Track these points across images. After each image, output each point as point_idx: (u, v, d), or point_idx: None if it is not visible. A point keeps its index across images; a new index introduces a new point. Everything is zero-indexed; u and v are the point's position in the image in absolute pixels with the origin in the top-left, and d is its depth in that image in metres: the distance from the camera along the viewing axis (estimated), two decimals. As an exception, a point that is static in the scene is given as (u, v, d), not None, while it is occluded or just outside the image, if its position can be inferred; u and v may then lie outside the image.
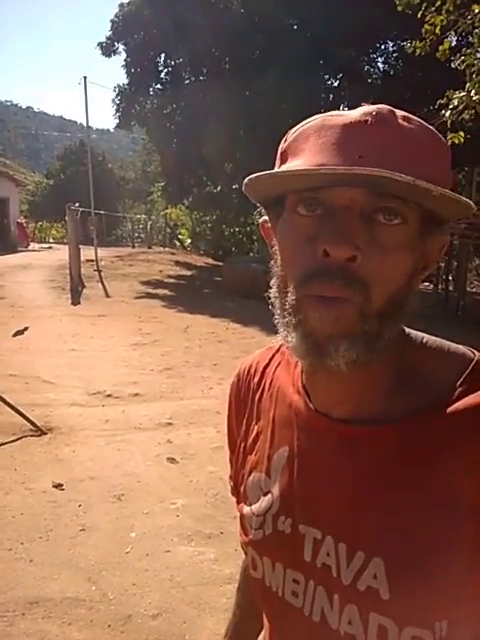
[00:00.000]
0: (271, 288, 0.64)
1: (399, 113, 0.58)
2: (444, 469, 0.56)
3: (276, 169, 0.61)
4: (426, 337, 0.66)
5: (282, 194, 0.60)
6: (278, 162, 0.63)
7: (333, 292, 0.54)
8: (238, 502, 0.79)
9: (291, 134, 0.62)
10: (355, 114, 0.57)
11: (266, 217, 0.67)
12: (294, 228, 0.59)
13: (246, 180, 0.58)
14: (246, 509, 0.74)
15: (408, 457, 0.59)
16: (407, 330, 0.66)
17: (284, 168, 0.59)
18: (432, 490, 0.57)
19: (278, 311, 0.62)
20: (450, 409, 0.58)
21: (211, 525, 3.22)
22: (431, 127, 0.60)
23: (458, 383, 0.59)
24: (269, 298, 0.64)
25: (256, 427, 0.76)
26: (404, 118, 0.58)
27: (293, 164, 0.58)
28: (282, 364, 0.77)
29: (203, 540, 3.10)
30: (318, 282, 0.55)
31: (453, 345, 0.65)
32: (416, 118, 0.59)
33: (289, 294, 0.59)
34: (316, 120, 0.59)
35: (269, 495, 0.70)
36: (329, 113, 0.59)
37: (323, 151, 0.56)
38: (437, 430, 0.58)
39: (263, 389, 0.78)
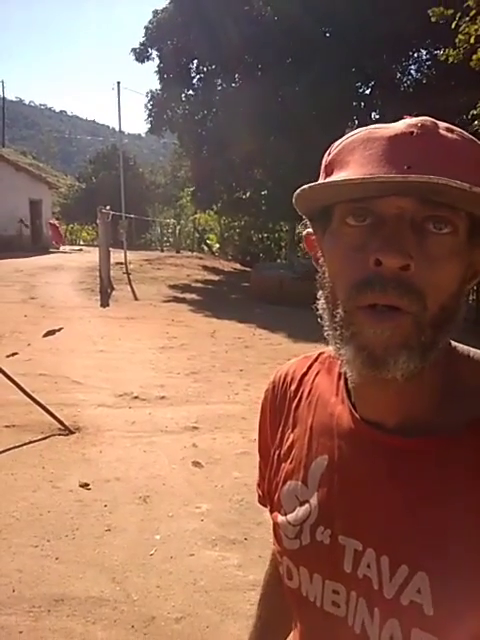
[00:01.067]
0: (318, 301, 0.64)
1: (442, 124, 0.59)
2: None
3: (325, 180, 0.61)
4: (472, 350, 0.66)
5: (329, 205, 0.60)
6: (323, 174, 0.63)
7: (387, 300, 0.54)
8: (271, 511, 0.77)
9: (335, 147, 0.62)
10: (400, 126, 0.58)
11: (311, 229, 0.67)
12: (343, 238, 0.58)
13: (299, 191, 0.58)
14: (281, 518, 0.73)
15: (456, 471, 0.58)
16: (452, 342, 0.66)
17: (332, 179, 0.59)
18: (475, 505, 0.56)
19: (327, 324, 0.61)
20: None
21: (235, 531, 3.22)
22: (474, 138, 0.60)
23: None
24: (316, 310, 0.64)
25: (292, 435, 0.76)
26: (447, 129, 0.58)
27: (340, 176, 0.58)
28: (322, 373, 0.77)
29: (227, 545, 3.10)
30: (371, 292, 0.55)
31: None
32: (458, 129, 0.59)
33: (339, 306, 0.58)
34: (361, 133, 0.60)
35: (307, 504, 0.69)
36: (373, 126, 0.60)
37: (371, 162, 0.56)
38: None
39: (301, 397, 0.77)
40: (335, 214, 0.59)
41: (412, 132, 0.56)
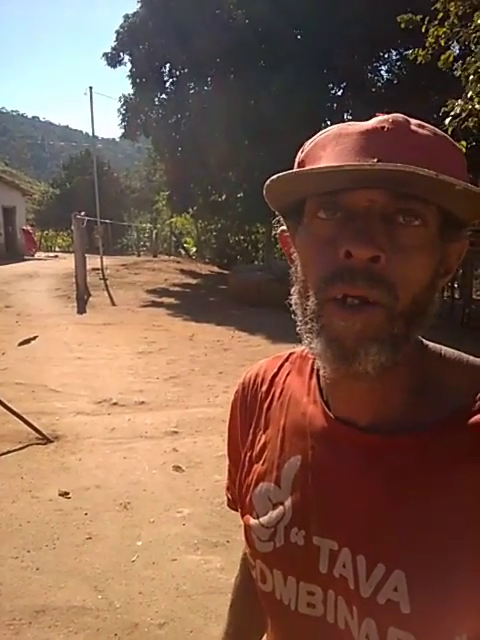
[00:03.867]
0: (291, 296, 0.63)
1: (414, 121, 0.59)
2: (466, 481, 0.56)
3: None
4: (444, 349, 0.66)
5: (301, 200, 0.60)
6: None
7: (357, 292, 0.54)
8: (243, 514, 0.76)
9: (308, 144, 0.63)
10: (371, 122, 0.58)
11: (285, 227, 0.67)
12: (314, 232, 0.58)
13: (268, 182, 0.58)
14: (253, 521, 0.71)
15: (430, 468, 0.58)
16: (424, 341, 0.66)
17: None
18: (454, 503, 0.56)
19: (300, 318, 0.61)
20: (472, 421, 0.58)
21: (217, 534, 3.22)
22: (445, 134, 0.60)
23: (479, 396, 0.59)
24: (289, 305, 0.63)
25: (264, 436, 0.75)
26: (419, 125, 0.59)
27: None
28: (293, 373, 0.76)
29: (209, 549, 3.09)
30: (341, 283, 0.54)
31: (471, 357, 0.65)
32: (430, 126, 0.60)
33: (310, 299, 0.58)
34: (333, 129, 0.60)
35: (280, 506, 0.68)
36: (345, 123, 0.60)
37: (341, 156, 0.56)
38: (459, 442, 0.58)
39: (273, 398, 0.76)
40: (307, 209, 0.60)
41: (383, 127, 0.57)
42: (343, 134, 0.58)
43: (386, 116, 0.58)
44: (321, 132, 0.62)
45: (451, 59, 5.85)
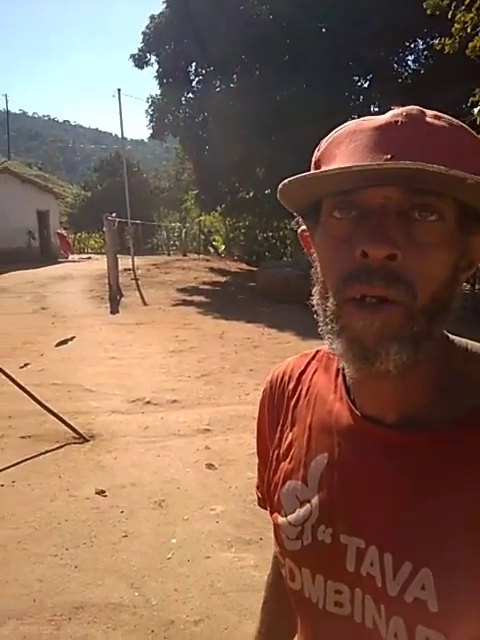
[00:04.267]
0: (313, 296, 0.63)
1: (429, 112, 0.59)
2: None
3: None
4: (470, 343, 0.65)
5: (318, 201, 0.60)
6: (313, 169, 0.63)
7: (374, 292, 0.54)
8: (271, 512, 0.76)
9: (324, 142, 0.63)
10: (385, 117, 0.58)
11: (304, 226, 0.67)
12: (331, 232, 0.58)
13: (280, 186, 0.57)
14: (281, 519, 0.71)
15: (456, 465, 0.58)
16: (450, 335, 0.65)
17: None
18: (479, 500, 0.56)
19: (321, 318, 0.61)
20: None
21: (251, 531, 3.24)
22: (463, 124, 0.59)
23: None
24: (312, 305, 0.63)
25: (291, 434, 0.75)
26: (434, 116, 0.58)
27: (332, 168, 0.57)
28: (319, 371, 0.76)
29: (243, 546, 3.12)
30: (358, 283, 0.54)
31: None
32: (447, 116, 0.59)
33: (329, 299, 0.58)
34: (348, 126, 0.60)
35: (307, 504, 0.68)
36: (361, 119, 0.60)
37: (355, 154, 0.56)
38: None
39: (299, 396, 0.76)
40: (323, 209, 0.60)
41: (397, 121, 0.56)
42: (357, 131, 0.58)
43: (400, 109, 0.58)
44: (337, 129, 0.61)
45: (478, 45, 5.72)
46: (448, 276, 0.56)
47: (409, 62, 15.67)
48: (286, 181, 0.56)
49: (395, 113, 0.57)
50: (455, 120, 0.59)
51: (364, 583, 0.62)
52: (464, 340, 0.66)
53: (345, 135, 0.59)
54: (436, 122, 0.57)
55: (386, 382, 0.60)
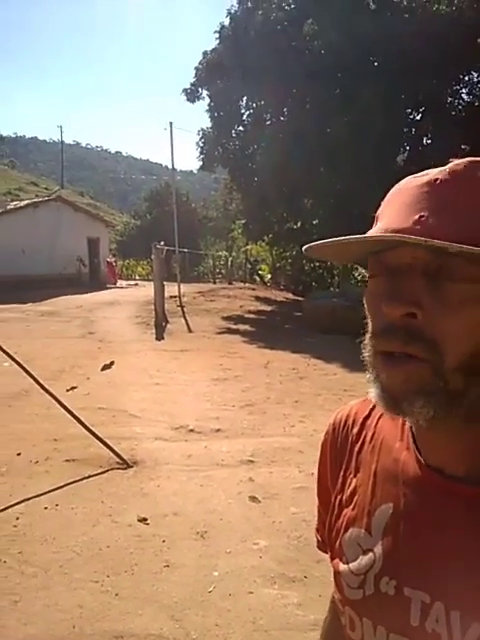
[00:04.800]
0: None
1: None
2: None
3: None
4: None
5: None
6: (375, 224, 0.65)
7: (394, 348, 0.56)
8: (332, 557, 0.75)
9: (387, 196, 0.64)
10: (431, 173, 0.59)
11: None
12: (370, 288, 0.61)
13: (304, 249, 0.62)
14: (343, 567, 0.70)
15: None
16: None
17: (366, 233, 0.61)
18: None
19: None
20: None
21: (295, 568, 3.15)
22: None
23: None
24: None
25: (354, 480, 0.74)
26: None
27: (375, 228, 0.61)
28: (385, 417, 0.75)
29: (287, 583, 3.03)
30: (382, 339, 0.58)
31: None
32: None
33: (367, 349, 0.61)
34: (403, 182, 0.62)
35: (371, 553, 0.67)
36: (415, 175, 0.61)
37: (395, 213, 0.59)
38: None
39: (364, 441, 0.76)
40: (368, 265, 0.63)
41: (436, 179, 0.57)
42: (403, 189, 0.60)
43: (454, 162, 0.58)
44: (398, 184, 0.63)
45: None
46: None
47: (463, 95, 15.63)
48: (307, 246, 0.60)
49: (441, 169, 0.58)
50: None
51: (429, 639, 0.60)
52: None
53: (396, 192, 0.62)
54: None
55: (448, 434, 0.61)
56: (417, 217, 0.55)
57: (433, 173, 0.59)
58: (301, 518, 3.67)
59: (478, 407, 0.57)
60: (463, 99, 15.73)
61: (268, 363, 9.46)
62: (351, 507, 0.73)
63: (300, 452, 4.92)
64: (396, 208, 0.59)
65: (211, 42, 17.37)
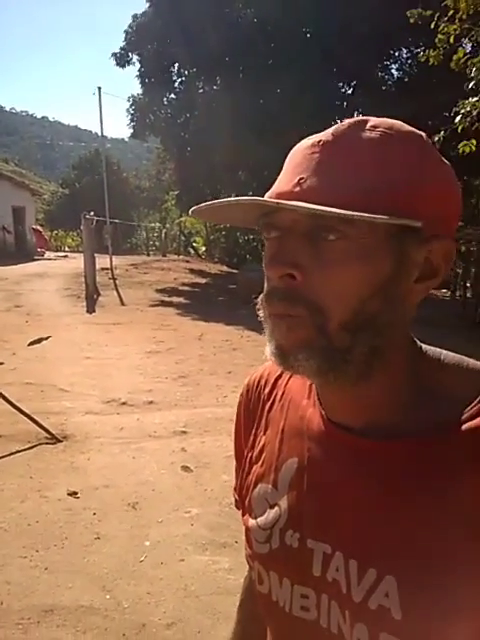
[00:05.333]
0: None
1: (371, 123, 0.58)
2: (459, 487, 0.55)
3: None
4: (444, 353, 0.65)
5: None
6: None
7: (278, 310, 0.58)
8: (243, 514, 0.77)
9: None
10: (319, 134, 0.59)
11: None
12: (265, 250, 0.62)
13: (190, 211, 0.61)
14: (251, 522, 0.72)
15: (423, 473, 0.58)
16: (424, 346, 0.65)
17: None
18: (447, 508, 0.55)
19: None
20: (467, 426, 0.57)
21: (225, 534, 3.21)
22: (408, 132, 0.58)
23: (477, 400, 0.58)
24: None
25: (264, 438, 0.76)
26: (371, 128, 0.57)
27: (271, 189, 0.61)
28: (295, 376, 0.76)
29: (218, 549, 3.09)
30: (267, 301, 0.60)
31: (472, 361, 0.64)
32: (389, 125, 0.58)
33: (261, 310, 0.62)
34: (298, 144, 0.62)
35: (276, 508, 0.69)
36: (311, 136, 0.61)
37: (283, 176, 0.60)
38: (453, 447, 0.57)
39: (274, 400, 0.77)
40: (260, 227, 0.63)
41: (320, 141, 0.58)
42: (295, 151, 0.61)
43: (338, 125, 0.58)
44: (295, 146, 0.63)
45: (462, 56, 5.78)
46: (368, 290, 0.56)
47: (393, 70, 15.89)
48: (194, 208, 0.59)
49: (327, 131, 0.58)
50: (395, 129, 0.58)
51: (330, 588, 0.62)
52: (438, 350, 0.65)
53: (290, 155, 0.61)
54: (368, 135, 0.57)
55: (342, 391, 0.62)
56: (297, 179, 0.56)
57: (321, 134, 0.59)
58: (232, 485, 3.73)
59: (367, 363, 0.58)
60: (393, 75, 16.02)
61: (202, 335, 9.47)
62: (260, 464, 0.74)
63: (232, 421, 4.91)
64: (286, 170, 0.60)
65: (142, 4, 16.77)
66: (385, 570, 0.57)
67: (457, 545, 0.54)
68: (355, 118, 0.59)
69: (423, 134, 0.60)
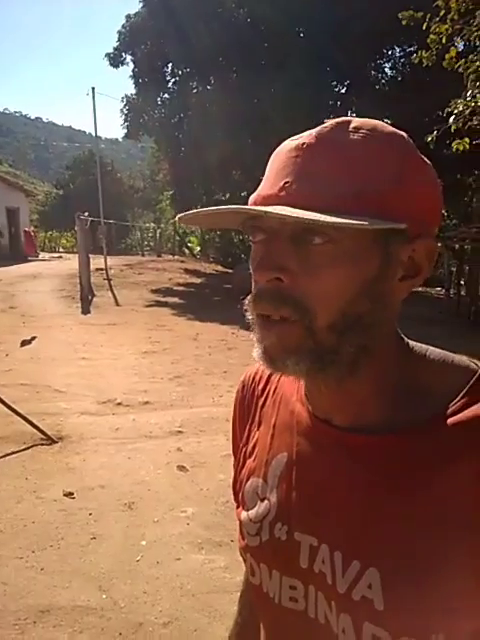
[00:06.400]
0: None
1: (353, 124, 0.58)
2: (443, 482, 0.56)
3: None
4: (430, 349, 0.66)
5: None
6: None
7: (266, 311, 0.59)
8: (237, 507, 0.79)
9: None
10: (305, 135, 0.59)
11: None
12: (251, 253, 0.63)
13: (177, 217, 0.62)
14: (244, 515, 0.74)
15: (407, 468, 0.59)
16: (411, 343, 0.66)
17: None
18: (430, 502, 0.56)
19: None
20: (451, 421, 0.58)
21: (221, 533, 3.22)
22: (390, 133, 0.59)
23: (460, 395, 0.59)
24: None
25: (257, 433, 0.77)
26: (354, 129, 0.58)
27: (256, 192, 0.61)
28: None
29: (213, 548, 3.10)
30: (255, 303, 0.61)
31: (457, 357, 0.65)
32: (372, 126, 0.58)
33: (249, 312, 0.63)
34: (280, 145, 0.62)
35: (266, 501, 0.71)
36: (293, 137, 0.61)
37: (267, 179, 0.60)
38: (438, 442, 0.58)
39: (267, 396, 0.79)
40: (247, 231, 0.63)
41: (303, 143, 0.58)
42: (278, 153, 0.61)
43: (321, 126, 0.59)
44: (278, 147, 0.63)
45: (454, 56, 5.81)
46: (354, 291, 0.57)
47: (386, 69, 15.92)
48: (181, 215, 0.60)
49: (310, 132, 0.59)
50: (378, 131, 0.58)
51: (316, 580, 0.63)
52: (425, 347, 0.66)
53: (273, 157, 0.62)
54: (351, 137, 0.57)
55: (327, 388, 0.63)
56: (282, 183, 0.57)
57: (304, 136, 0.59)
58: (228, 484, 3.71)
59: (354, 361, 0.60)
60: (386, 74, 16.05)
61: (197, 335, 9.48)
62: (252, 458, 0.76)
63: (227, 421, 4.92)
64: (269, 173, 0.60)
65: (135, 5, 16.76)
66: (368, 562, 0.58)
67: (442, 539, 0.55)
68: (337, 119, 0.59)
69: (405, 134, 0.60)
